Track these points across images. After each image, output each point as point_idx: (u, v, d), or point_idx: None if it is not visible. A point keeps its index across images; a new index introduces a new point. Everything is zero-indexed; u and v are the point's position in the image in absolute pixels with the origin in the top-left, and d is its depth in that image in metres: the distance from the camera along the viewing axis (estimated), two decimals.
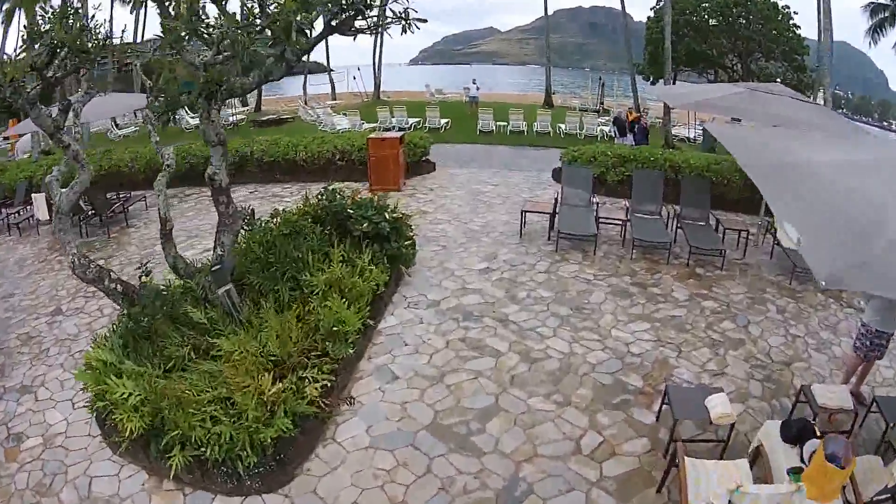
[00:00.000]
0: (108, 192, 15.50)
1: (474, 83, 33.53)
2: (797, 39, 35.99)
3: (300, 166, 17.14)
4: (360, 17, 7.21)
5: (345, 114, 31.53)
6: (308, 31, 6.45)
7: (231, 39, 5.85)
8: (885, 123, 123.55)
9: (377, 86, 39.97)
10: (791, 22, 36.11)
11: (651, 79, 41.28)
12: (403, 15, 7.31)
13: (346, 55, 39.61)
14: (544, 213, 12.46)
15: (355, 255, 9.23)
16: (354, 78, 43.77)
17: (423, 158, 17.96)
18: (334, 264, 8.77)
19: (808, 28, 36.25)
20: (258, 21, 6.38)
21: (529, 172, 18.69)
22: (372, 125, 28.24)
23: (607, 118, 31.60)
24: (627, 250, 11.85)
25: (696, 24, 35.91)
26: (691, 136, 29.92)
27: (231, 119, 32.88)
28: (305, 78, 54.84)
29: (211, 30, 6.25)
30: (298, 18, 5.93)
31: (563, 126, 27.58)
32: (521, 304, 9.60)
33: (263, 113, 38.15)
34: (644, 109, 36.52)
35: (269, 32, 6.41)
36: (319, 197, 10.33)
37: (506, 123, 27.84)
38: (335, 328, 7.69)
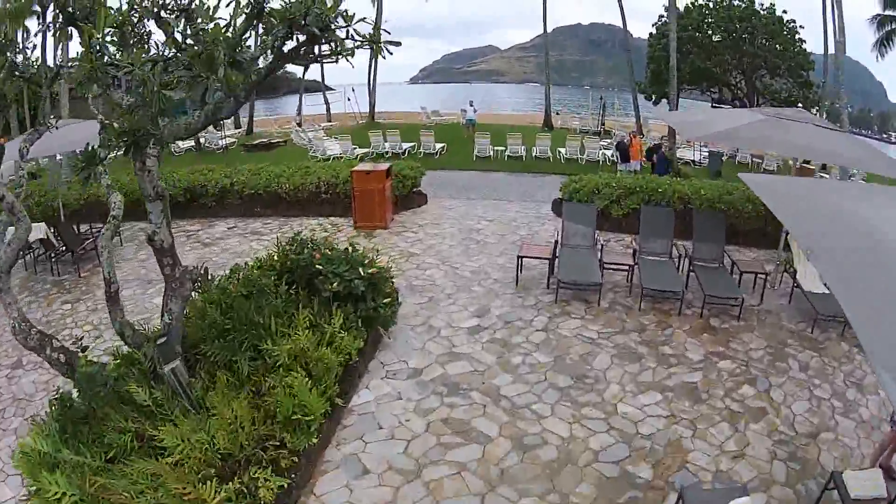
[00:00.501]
0: (88, 223, 14.68)
1: (471, 105, 32.45)
2: (803, 55, 35.00)
3: (283, 199, 16.02)
4: (318, 43, 6.16)
5: (336, 138, 30.48)
6: (246, 63, 5.29)
7: (139, 80, 4.69)
8: (885, 135, 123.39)
9: (372, 107, 38.86)
10: (797, 36, 35.09)
11: (654, 98, 40.26)
12: (373, 37, 6.25)
13: (344, 74, 38.87)
14: (543, 258, 11.27)
15: (324, 320, 8.06)
16: (349, 99, 42.75)
17: (414, 189, 16.82)
18: (300, 331, 7.62)
19: (812, 40, 35.54)
20: (178, 54, 5.20)
21: (527, 204, 17.58)
22: (364, 150, 27.20)
23: (609, 140, 30.59)
24: (635, 299, 10.70)
25: (699, 41, 34.90)
26: (696, 158, 28.80)
27: (221, 142, 31.85)
28: (301, 98, 53.99)
29: (117, 70, 5.06)
30: (231, 51, 4.76)
31: (563, 150, 26.49)
32: (514, 372, 8.38)
33: (255, 136, 37.10)
34: (648, 130, 35.50)
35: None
36: (287, 248, 9.15)
37: (503, 148, 26.77)
38: (295, 416, 6.56)
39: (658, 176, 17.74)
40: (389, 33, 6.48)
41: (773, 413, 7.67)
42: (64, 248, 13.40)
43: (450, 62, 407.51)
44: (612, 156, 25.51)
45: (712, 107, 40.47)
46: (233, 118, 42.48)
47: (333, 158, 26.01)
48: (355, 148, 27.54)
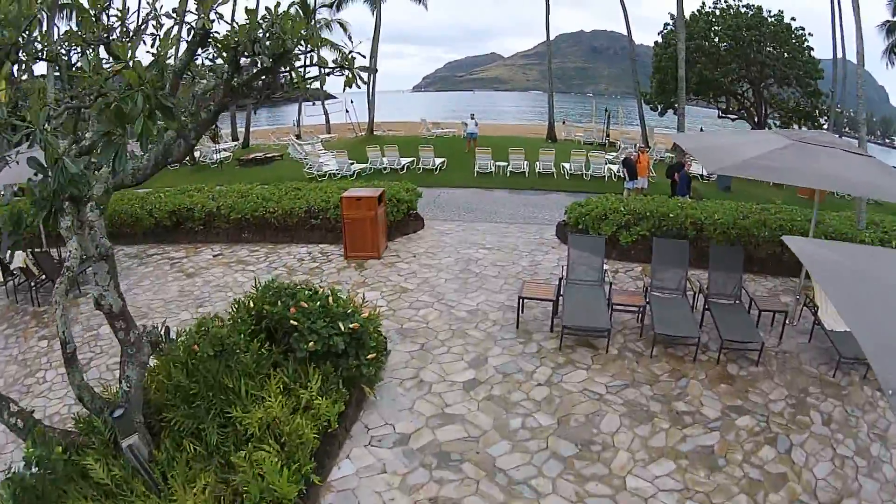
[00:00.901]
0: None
1: (472, 118, 31.61)
2: (812, 63, 34.09)
3: (272, 224, 15.22)
4: (274, 74, 5.37)
5: (333, 153, 29.72)
6: (176, 109, 4.46)
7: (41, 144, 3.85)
8: (887, 140, 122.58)
9: (371, 120, 38.08)
10: (806, 44, 34.21)
11: (659, 108, 39.35)
12: (345, 63, 5.47)
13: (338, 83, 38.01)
14: (546, 299, 10.40)
15: (300, 383, 7.22)
16: (347, 111, 42.01)
17: (410, 213, 15.98)
18: (272, 397, 6.78)
19: (816, 46, 34.59)
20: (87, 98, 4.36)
21: (530, 228, 16.76)
22: (362, 166, 26.44)
23: (615, 154, 29.76)
24: (646, 343, 9.83)
25: (706, 50, 34.00)
26: (704, 173, 27.90)
27: (216, 157, 31.08)
28: (300, 108, 53.29)
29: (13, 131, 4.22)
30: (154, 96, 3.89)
31: (567, 166, 25.66)
32: (513, 439, 7.47)
33: (251, 149, 36.36)
34: (655, 143, 34.66)
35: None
36: (263, 296, 8.32)
37: (505, 164, 25.96)
38: (263, 501, 5.74)
39: (679, 197, 16.90)
40: (364, 56, 5.70)
41: (794, 478, 6.85)
42: (43, 276, 12.63)
43: (453, 70, 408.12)
44: (619, 171, 24.71)
45: (719, 117, 39.64)
46: (230, 129, 41.90)
47: (329, 175, 25.28)
48: (352, 163, 26.77)
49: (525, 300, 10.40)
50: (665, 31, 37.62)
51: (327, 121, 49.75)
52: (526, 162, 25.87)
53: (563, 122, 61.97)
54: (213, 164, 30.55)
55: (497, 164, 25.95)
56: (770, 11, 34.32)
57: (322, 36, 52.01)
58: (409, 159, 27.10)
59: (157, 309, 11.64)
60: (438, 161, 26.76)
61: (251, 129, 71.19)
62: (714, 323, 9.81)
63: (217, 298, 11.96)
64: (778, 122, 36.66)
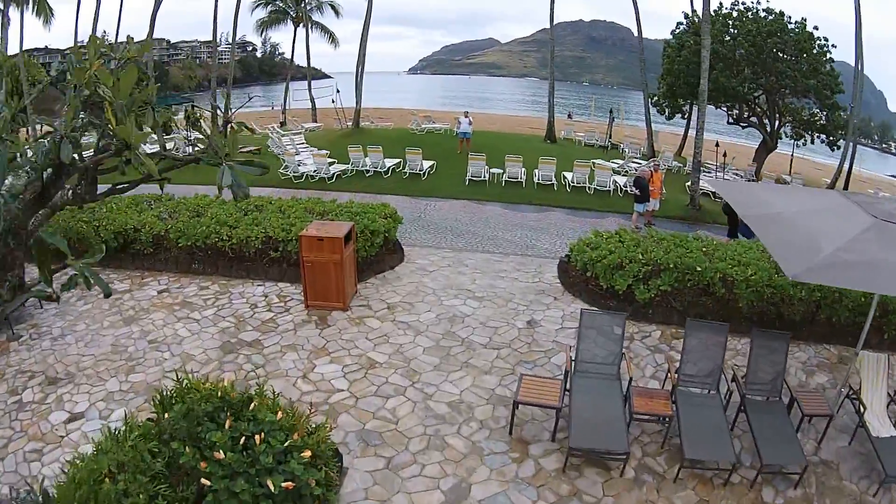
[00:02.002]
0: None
1: (466, 116, 29.10)
2: (832, 76, 31.84)
3: (225, 252, 12.91)
4: None
5: (313, 150, 27.35)
6: None
7: None
8: (885, 145, 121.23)
9: (357, 113, 35.38)
10: (828, 56, 31.89)
11: (667, 112, 37.02)
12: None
13: (346, 60, 35.05)
14: (549, 406, 8.10)
15: None
16: (333, 101, 39.51)
17: (388, 242, 13.65)
18: None
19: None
20: None
21: (527, 262, 14.54)
22: (342, 167, 24.11)
23: (620, 163, 27.60)
24: (670, 459, 7.67)
25: (723, 55, 31.56)
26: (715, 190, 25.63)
27: (189, 150, 28.47)
28: (286, 91, 50.75)
29: None
30: None
31: (569, 176, 23.38)
32: None
33: None
34: (659, 151, 32.45)
35: None
36: (168, 426, 6.04)
37: (501, 171, 23.66)
38: None
39: (734, 239, 14.60)
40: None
41: None
42: None
43: (450, 53, 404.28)
44: (627, 187, 22.55)
45: (728, 123, 37.34)
46: (210, 114, 39.27)
47: (307, 176, 22.99)
48: (333, 162, 24.46)
49: (522, 404, 8.11)
50: (678, 32, 35.13)
51: (313, 107, 47.20)
52: (523, 170, 23.52)
53: (570, 117, 59.95)
54: (189, 156, 27.99)
55: (492, 170, 23.63)
56: (791, 18, 31.95)
57: (313, 18, 49.94)
58: (395, 161, 24.76)
59: (86, 370, 9.41)
60: (427, 165, 24.45)
61: (236, 111, 68.55)
62: (751, 431, 7.77)
63: (150, 360, 9.71)
64: (790, 133, 34.63)
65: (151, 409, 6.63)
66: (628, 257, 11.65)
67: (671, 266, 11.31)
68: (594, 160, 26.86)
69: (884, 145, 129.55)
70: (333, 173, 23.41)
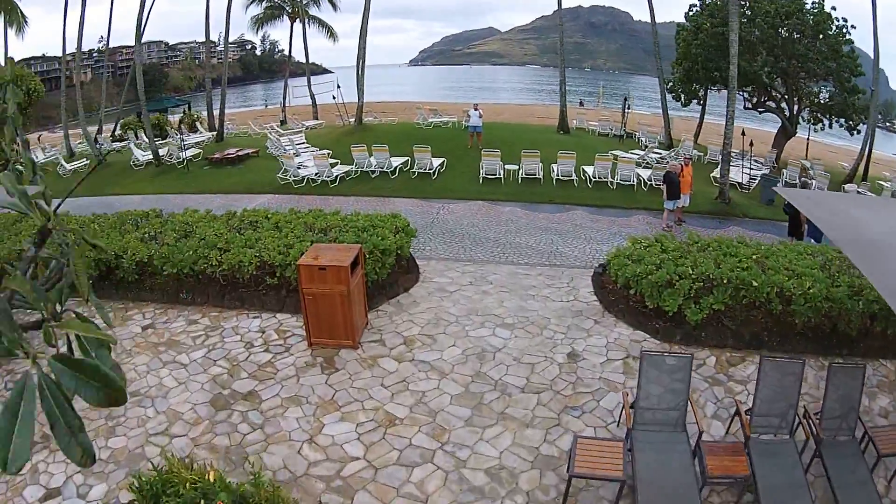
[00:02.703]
0: None
1: (476, 109, 27.17)
2: (851, 59, 29.97)
3: (216, 278, 11.22)
4: None
5: (314, 150, 25.65)
6: None
7: None
8: (888, 124, 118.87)
9: (359, 109, 33.42)
10: (847, 37, 29.98)
11: (683, 98, 35.14)
12: None
13: (347, 55, 33.08)
14: (613, 479, 6.39)
15: None
16: (334, 97, 37.68)
17: (401, 260, 11.96)
18: None
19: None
20: None
21: (557, 275, 12.86)
22: (346, 168, 22.37)
23: (641, 154, 25.82)
24: None
25: (741, 38, 29.55)
26: (743, 180, 23.82)
27: (182, 154, 26.87)
28: (285, 89, 49.01)
29: None
30: None
31: (590, 171, 21.59)
32: None
33: (225, 143, 32.06)
34: (678, 140, 30.58)
35: None
36: None
37: (516, 167, 21.90)
38: None
39: (814, 243, 13.02)
40: None
41: None
42: None
43: (450, 44, 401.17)
44: (652, 181, 20.82)
45: (745, 108, 35.33)
46: (207, 116, 37.62)
47: (308, 180, 21.28)
48: (336, 163, 22.74)
49: (578, 477, 6.43)
50: (693, 14, 33.14)
51: (314, 103, 45.36)
52: (540, 165, 21.75)
53: (581, 105, 57.80)
54: (180, 163, 26.43)
55: (507, 167, 21.88)
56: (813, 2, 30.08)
57: (309, 13, 48.02)
58: (402, 160, 22.99)
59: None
60: (437, 163, 22.68)
61: (234, 111, 66.74)
62: (827, 479, 6.63)
63: (133, 419, 8.05)
64: (807, 117, 32.76)
65: (131, 485, 5.32)
66: (678, 273, 9.91)
67: (724, 281, 9.61)
68: (613, 152, 25.08)
69: (888, 124, 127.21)
70: (336, 175, 21.68)
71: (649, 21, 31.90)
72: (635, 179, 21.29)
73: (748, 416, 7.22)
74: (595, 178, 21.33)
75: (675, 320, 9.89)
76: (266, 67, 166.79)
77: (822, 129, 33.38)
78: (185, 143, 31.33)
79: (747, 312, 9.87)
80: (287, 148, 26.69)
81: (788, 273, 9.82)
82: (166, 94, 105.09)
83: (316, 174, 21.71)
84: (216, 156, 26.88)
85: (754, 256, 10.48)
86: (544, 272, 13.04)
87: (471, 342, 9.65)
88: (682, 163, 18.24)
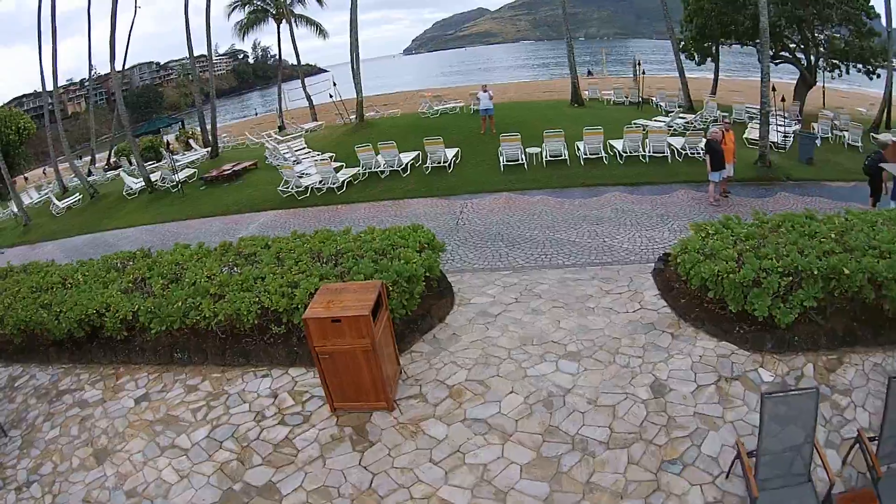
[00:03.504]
0: None
1: (485, 91, 24.85)
2: (866, 1, 27.95)
3: (215, 334, 9.35)
4: None
5: (315, 155, 23.83)
6: None
7: None
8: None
9: (359, 105, 31.23)
10: None
11: (697, 57, 32.91)
12: None
13: (336, 53, 31.07)
14: None
15: None
16: (331, 96, 35.63)
17: (430, 280, 9.98)
18: None
19: None
20: None
21: (612, 275, 10.91)
22: (353, 171, 20.45)
23: (667, 120, 23.78)
24: None
25: None
26: (777, 139, 21.66)
27: (175, 177, 25.09)
28: (279, 95, 47.12)
29: None
30: None
31: (618, 146, 19.56)
32: None
33: (220, 160, 30.13)
34: (703, 104, 28.36)
35: None
36: None
37: (538, 149, 19.88)
38: None
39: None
40: None
41: None
42: None
43: (442, 29, 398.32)
44: (685, 150, 18.85)
45: (760, 61, 32.97)
46: (201, 132, 35.74)
47: (312, 190, 19.42)
48: (341, 167, 20.91)
49: None
50: None
51: (311, 105, 43.40)
52: (565, 146, 19.71)
53: (590, 74, 55.50)
54: (174, 187, 24.66)
55: (528, 150, 19.87)
56: None
57: (295, 12, 45.86)
58: (413, 155, 21.02)
59: None
60: (451, 154, 20.65)
61: (231, 122, 64.90)
62: None
63: None
64: (822, 65, 30.61)
65: None
66: (764, 268, 7.95)
67: (813, 272, 7.66)
68: (637, 121, 23.04)
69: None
70: (343, 180, 19.74)
71: None
72: (668, 150, 19.22)
73: (873, 444, 5.64)
74: (626, 152, 19.27)
75: (762, 323, 8.04)
76: (260, 74, 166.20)
77: (840, 75, 31.37)
78: (179, 162, 29.72)
79: (836, 304, 8.25)
80: (287, 156, 24.86)
81: (874, 254, 8.01)
82: (164, 113, 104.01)
83: (320, 182, 19.81)
84: (212, 174, 25.07)
85: (833, 235, 8.67)
86: (598, 274, 11.07)
87: (532, 384, 7.68)
88: (724, 128, 16.22)
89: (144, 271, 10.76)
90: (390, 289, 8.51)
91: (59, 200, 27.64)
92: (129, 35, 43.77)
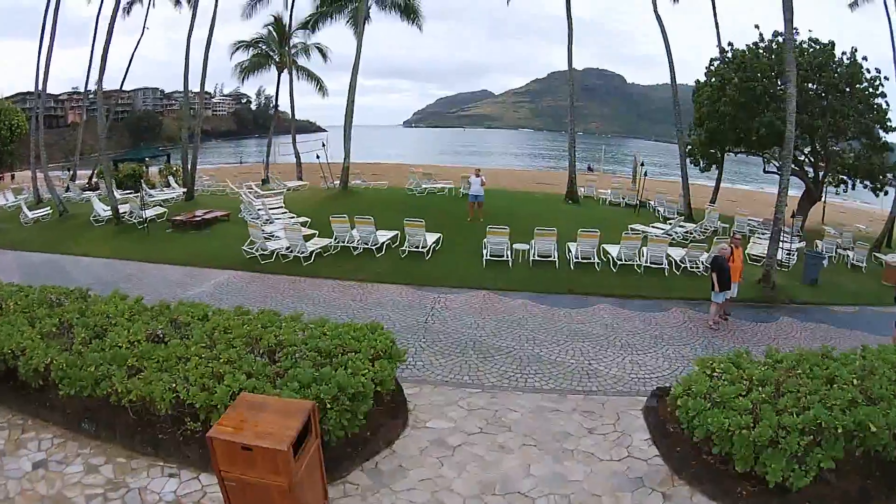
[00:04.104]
0: None
1: (478, 175, 23.76)
2: (882, 112, 27.07)
3: (123, 408, 7.76)
4: None
5: (291, 218, 22.42)
6: None
7: None
8: None
9: (346, 169, 29.88)
10: (880, 90, 27.06)
11: (702, 163, 31.80)
12: None
13: (338, 114, 29.69)
14: None
15: None
16: (318, 157, 34.41)
17: (382, 393, 8.31)
18: None
19: None
20: None
21: (595, 407, 9.42)
22: (324, 242, 18.91)
23: (666, 228, 22.73)
24: None
25: (773, 94, 26.40)
26: (780, 257, 20.49)
27: (145, 213, 23.53)
28: (269, 147, 46.01)
29: None
30: None
31: (613, 251, 18.26)
32: None
33: (194, 204, 28.53)
34: (705, 212, 27.27)
35: None
36: None
37: (527, 246, 18.57)
38: None
39: None
40: None
41: None
42: None
43: (444, 106, 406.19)
44: (684, 263, 17.65)
45: (765, 171, 32.03)
46: (177, 169, 34.36)
47: (277, 256, 17.84)
48: (312, 235, 19.42)
49: None
50: (716, 68, 29.86)
51: (298, 162, 42.17)
52: (555, 245, 18.40)
53: (590, 170, 55.02)
54: (140, 224, 23.07)
55: (515, 246, 18.51)
56: (843, 52, 27.18)
57: (298, 62, 45.25)
58: (391, 235, 19.57)
59: None
60: (431, 239, 19.17)
61: (218, 166, 63.40)
62: None
63: None
64: (830, 180, 29.78)
65: None
66: (783, 425, 6.53)
67: (837, 430, 6.30)
68: (634, 227, 21.90)
69: None
70: (312, 251, 18.18)
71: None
72: (665, 261, 17.96)
73: None
74: (621, 260, 17.97)
75: (777, 495, 6.68)
76: (260, 123, 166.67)
77: (845, 191, 30.66)
78: (153, 198, 28.25)
79: (853, 462, 7.27)
80: (260, 212, 23.37)
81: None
82: (160, 142, 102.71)
83: (287, 248, 18.25)
84: (181, 217, 23.48)
85: (854, 381, 7.54)
86: (580, 405, 9.52)
87: None
88: (732, 244, 15.01)
89: (73, 315, 9.45)
90: (329, 405, 6.89)
91: (31, 211, 26.15)
92: (133, 55, 43.10)
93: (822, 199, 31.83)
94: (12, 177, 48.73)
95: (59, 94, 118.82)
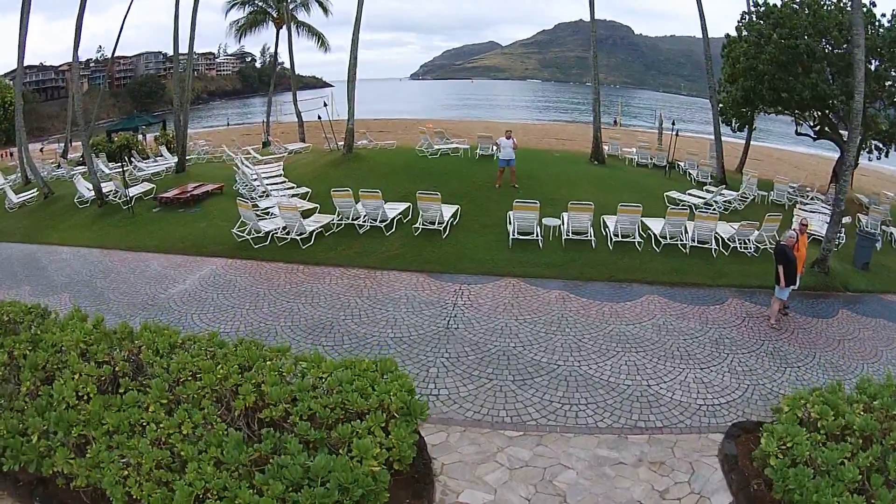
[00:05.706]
0: None
1: (509, 138, 20.60)
2: None
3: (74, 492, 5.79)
4: None
5: (290, 187, 20.17)
6: None
7: None
8: None
9: (350, 132, 27.05)
10: None
11: (734, 123, 29.14)
12: None
13: (345, 69, 26.73)
14: None
15: None
16: (319, 117, 31.82)
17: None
18: None
19: None
20: None
21: (666, 454, 7.47)
22: (326, 219, 16.60)
23: (707, 196, 20.38)
24: None
25: (818, 55, 23.66)
26: (820, 228, 18.23)
27: (130, 192, 21.22)
28: (269, 106, 43.51)
29: None
30: None
31: (656, 227, 15.95)
32: None
33: (185, 176, 26.07)
34: (743, 177, 24.79)
35: None
36: None
37: (558, 222, 16.27)
38: None
39: None
40: None
41: None
42: None
43: (450, 58, 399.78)
44: (732, 242, 15.44)
45: (797, 133, 29.51)
46: (174, 136, 31.79)
47: (273, 238, 15.64)
48: (314, 210, 17.12)
49: None
50: (750, 23, 26.97)
51: (300, 123, 39.39)
52: (590, 221, 15.93)
53: (616, 123, 52.35)
54: (125, 204, 20.77)
55: (545, 220, 16.18)
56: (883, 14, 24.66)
57: (297, 18, 42.48)
58: (402, 208, 17.16)
59: None
60: (448, 213, 16.75)
61: (217, 128, 60.93)
62: None
63: None
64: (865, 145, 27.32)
65: None
66: None
67: None
68: (670, 195, 19.55)
69: None
70: (311, 231, 15.89)
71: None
72: (712, 239, 15.64)
73: None
74: (665, 238, 15.65)
75: None
76: (266, 81, 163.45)
77: (879, 158, 28.50)
78: (142, 171, 26.05)
79: None
80: (255, 184, 21.07)
81: None
82: (165, 106, 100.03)
83: (283, 229, 15.99)
84: (169, 194, 21.15)
85: None
86: (645, 453, 7.43)
87: None
88: (798, 230, 12.68)
89: (24, 348, 7.46)
90: None
91: (16, 195, 23.90)
92: (124, 21, 40.59)
93: (856, 164, 29.40)
94: (10, 154, 46.73)
95: (60, 65, 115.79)
